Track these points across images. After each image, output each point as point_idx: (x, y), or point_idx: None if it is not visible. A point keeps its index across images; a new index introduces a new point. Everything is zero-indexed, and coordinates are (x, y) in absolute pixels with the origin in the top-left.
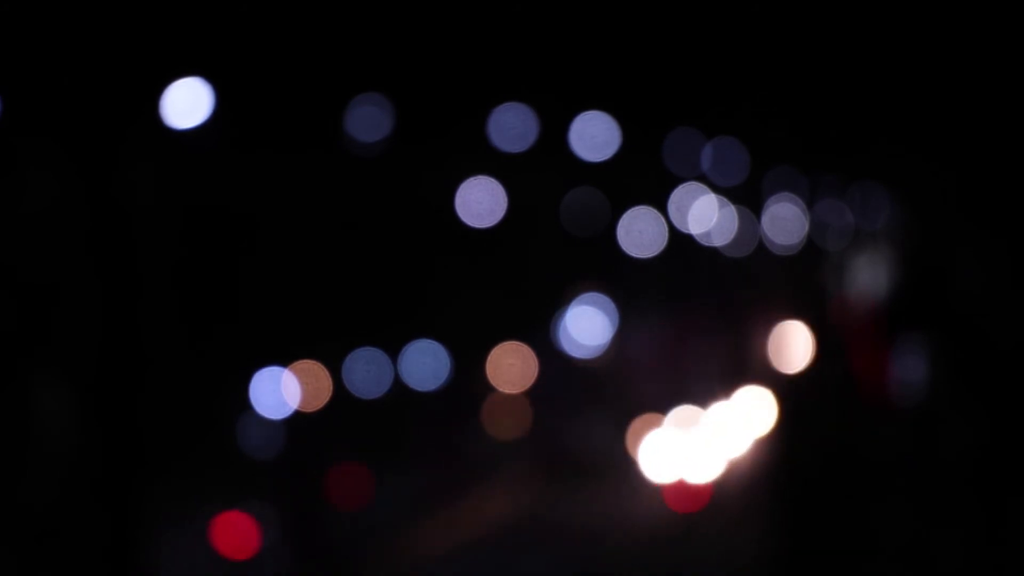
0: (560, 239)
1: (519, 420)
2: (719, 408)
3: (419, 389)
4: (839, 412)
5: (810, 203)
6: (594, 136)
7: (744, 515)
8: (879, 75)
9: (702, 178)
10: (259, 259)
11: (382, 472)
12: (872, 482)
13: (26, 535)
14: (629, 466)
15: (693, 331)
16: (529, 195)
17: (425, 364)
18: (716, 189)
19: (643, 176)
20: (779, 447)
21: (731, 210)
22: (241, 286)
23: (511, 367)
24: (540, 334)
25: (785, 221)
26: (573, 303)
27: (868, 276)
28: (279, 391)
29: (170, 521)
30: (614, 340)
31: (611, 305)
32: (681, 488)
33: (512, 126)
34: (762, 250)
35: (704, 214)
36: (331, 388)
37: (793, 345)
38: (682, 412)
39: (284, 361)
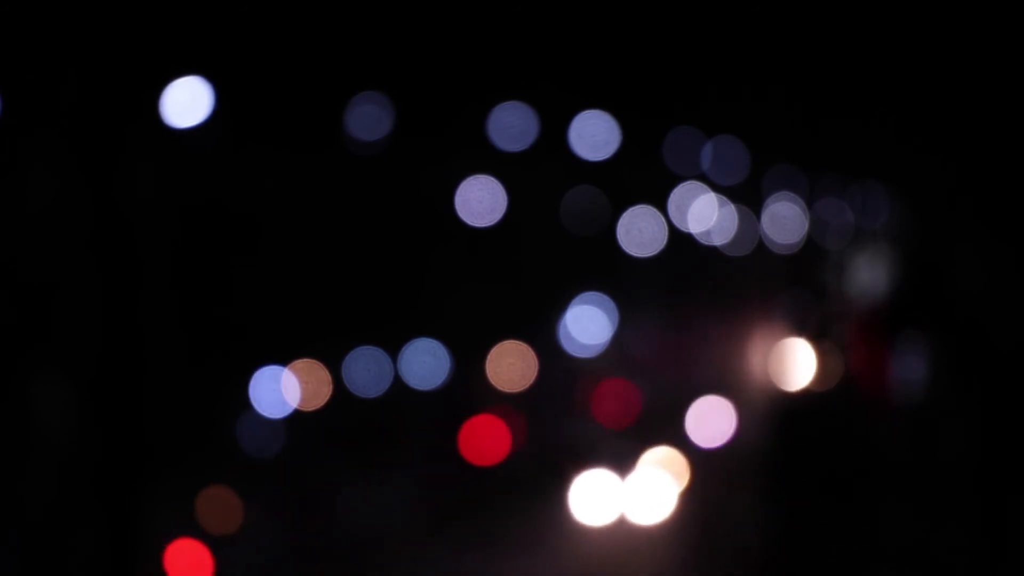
0: (560, 238)
1: (519, 418)
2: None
3: (419, 388)
4: (839, 411)
5: (810, 202)
6: (594, 135)
7: (743, 515)
8: (880, 73)
9: (702, 177)
10: (259, 258)
11: (381, 471)
12: (871, 482)
13: (26, 534)
14: (628, 464)
15: (693, 329)
16: (529, 194)
17: (425, 363)
18: (716, 188)
19: (643, 175)
20: (778, 447)
21: (731, 209)
22: (241, 284)
23: (511, 366)
24: (540, 333)
25: (785, 220)
26: (573, 302)
27: (868, 275)
28: (279, 390)
29: (170, 520)
30: (614, 339)
31: (611, 304)
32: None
33: (512, 125)
34: (762, 249)
35: (704, 213)
36: (331, 387)
37: (793, 344)
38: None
39: (284, 360)
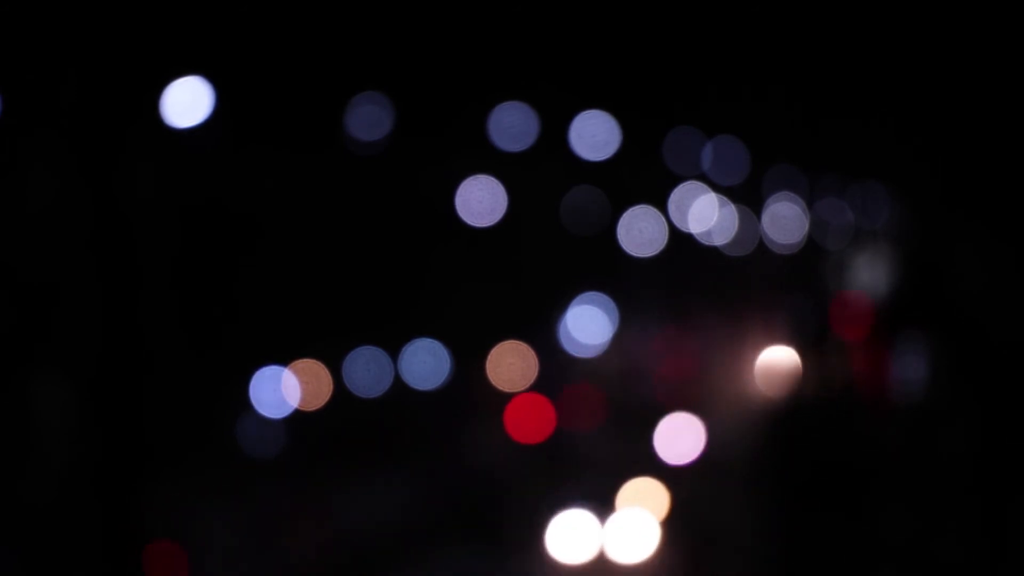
0: (560, 238)
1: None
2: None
3: (419, 388)
4: (839, 412)
5: (810, 202)
6: (594, 135)
7: (743, 517)
8: (880, 73)
9: (702, 177)
10: (259, 258)
11: (381, 471)
12: (871, 482)
13: (26, 535)
14: (628, 464)
15: (693, 329)
16: (529, 194)
17: (425, 363)
18: (716, 188)
19: (643, 175)
20: (778, 448)
21: (731, 209)
22: (241, 285)
23: (511, 366)
24: (540, 333)
25: (785, 220)
26: (573, 302)
27: (868, 275)
28: (279, 390)
29: (169, 520)
30: (614, 339)
31: (611, 304)
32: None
33: (512, 125)
34: (762, 249)
35: (704, 213)
36: (331, 387)
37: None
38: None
39: (284, 360)
